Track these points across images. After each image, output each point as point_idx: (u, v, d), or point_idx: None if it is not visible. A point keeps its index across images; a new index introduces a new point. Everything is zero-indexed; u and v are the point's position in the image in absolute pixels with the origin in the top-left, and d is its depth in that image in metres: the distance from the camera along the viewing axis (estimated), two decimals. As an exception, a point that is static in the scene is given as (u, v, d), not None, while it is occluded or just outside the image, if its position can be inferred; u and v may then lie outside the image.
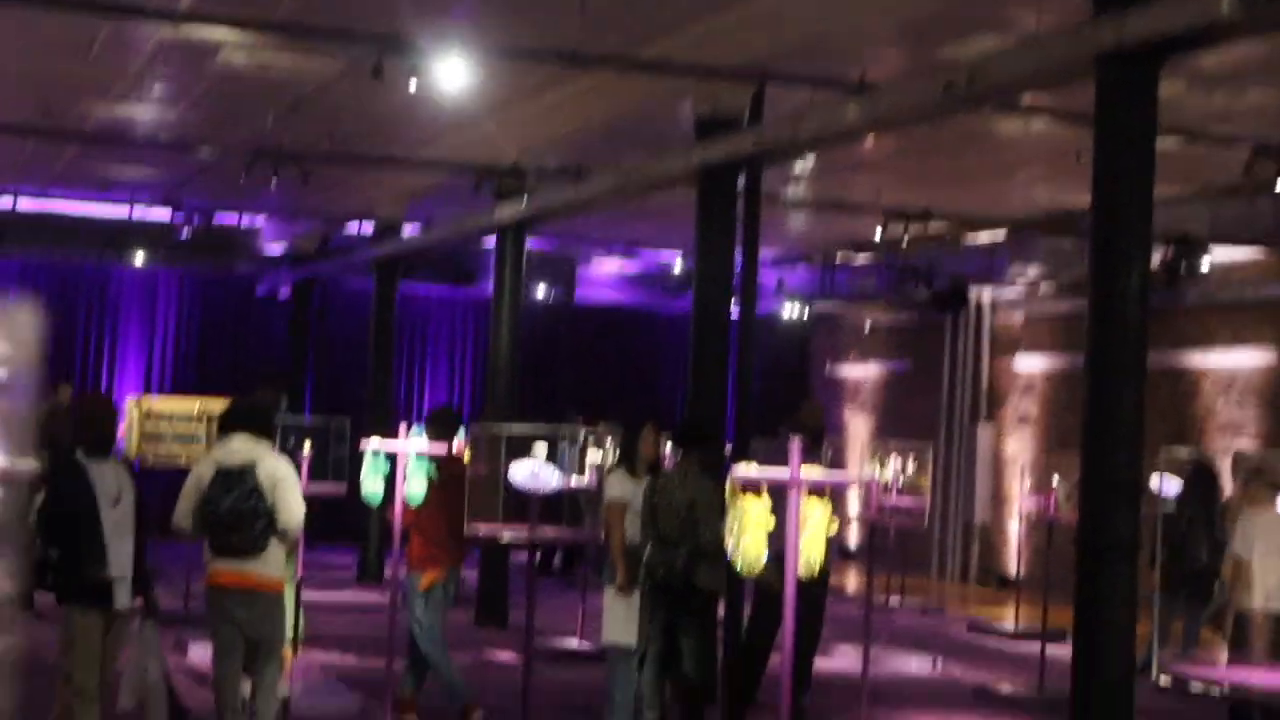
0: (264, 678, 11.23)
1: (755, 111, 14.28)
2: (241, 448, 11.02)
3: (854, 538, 22.65)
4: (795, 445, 6.58)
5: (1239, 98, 14.68)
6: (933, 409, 27.66)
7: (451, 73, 12.18)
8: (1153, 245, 11.65)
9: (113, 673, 9.79)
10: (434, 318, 30.99)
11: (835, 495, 11.45)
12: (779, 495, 7.07)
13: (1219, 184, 18.01)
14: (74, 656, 9.47)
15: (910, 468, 17.98)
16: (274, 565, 11.01)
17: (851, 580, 23.54)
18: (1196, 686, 9.08)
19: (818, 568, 7.35)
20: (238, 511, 10.80)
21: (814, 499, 7.16)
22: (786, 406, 16.07)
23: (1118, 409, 9.92)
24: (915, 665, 17.22)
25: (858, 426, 30.00)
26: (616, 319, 31.77)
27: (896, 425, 27.76)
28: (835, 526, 7.42)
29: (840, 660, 16.08)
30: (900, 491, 16.93)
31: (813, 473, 6.67)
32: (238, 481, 10.85)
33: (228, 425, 11.31)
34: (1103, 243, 10.06)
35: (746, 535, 7.13)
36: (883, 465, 16.04)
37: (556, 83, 15.54)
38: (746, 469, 6.57)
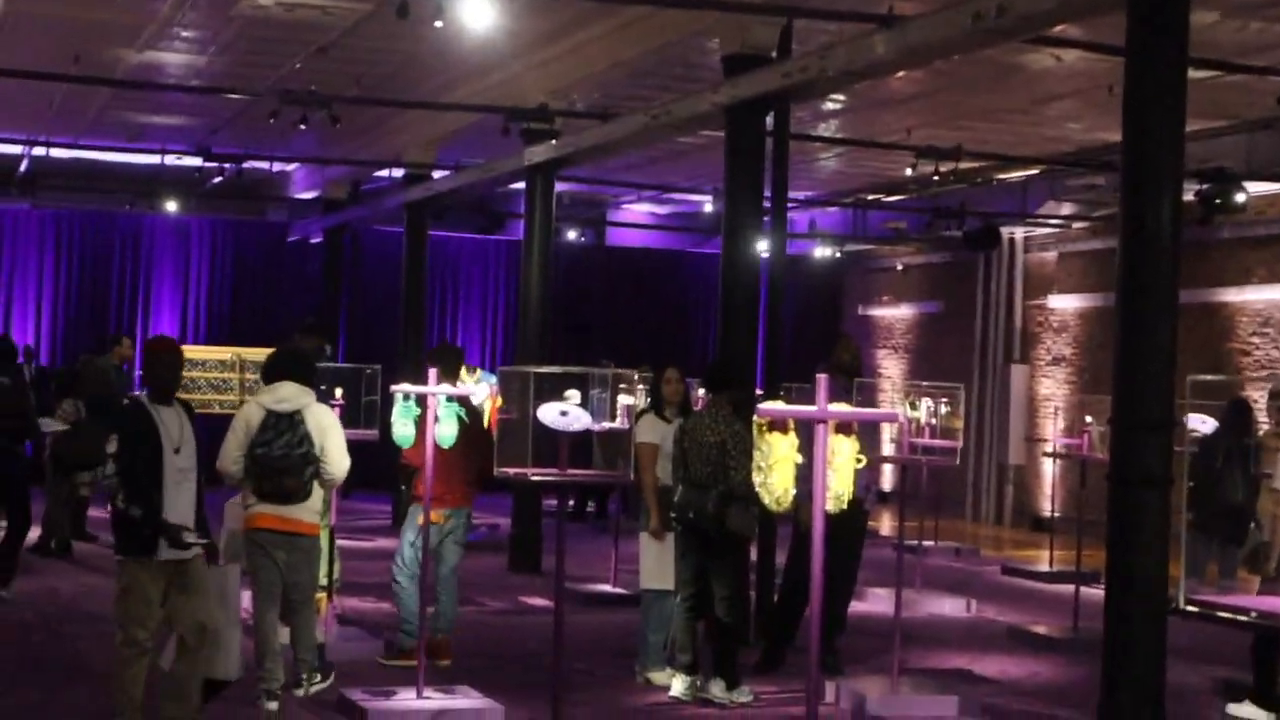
0: (301, 621, 11.33)
1: (783, 47, 14.24)
2: (291, 394, 11.08)
3: (888, 481, 22.62)
4: (822, 380, 6.56)
5: (1273, 26, 14.59)
6: (965, 350, 27.63)
7: (477, 12, 12.13)
8: (1185, 179, 11.59)
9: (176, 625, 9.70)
10: (465, 262, 30.98)
11: (867, 434, 11.51)
12: (808, 433, 7.07)
13: (1254, 116, 17.95)
14: (126, 607, 9.44)
15: (943, 409, 17.96)
16: (315, 511, 11.13)
17: (885, 523, 23.51)
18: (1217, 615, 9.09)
19: (847, 501, 7.35)
20: (289, 457, 10.88)
21: (841, 435, 7.15)
22: (818, 348, 16.02)
23: (1149, 345, 9.86)
24: (949, 607, 17.18)
25: (890, 368, 29.99)
26: (648, 262, 31.70)
27: (929, 366, 27.77)
28: (863, 459, 7.41)
29: (873, 603, 16.07)
30: (933, 433, 16.92)
31: (840, 409, 6.63)
32: (289, 427, 10.92)
33: (276, 372, 11.36)
34: (1133, 177, 10.01)
35: (774, 471, 7.16)
36: (915, 407, 16.02)
37: (583, 22, 15.52)
38: (771, 405, 6.55)
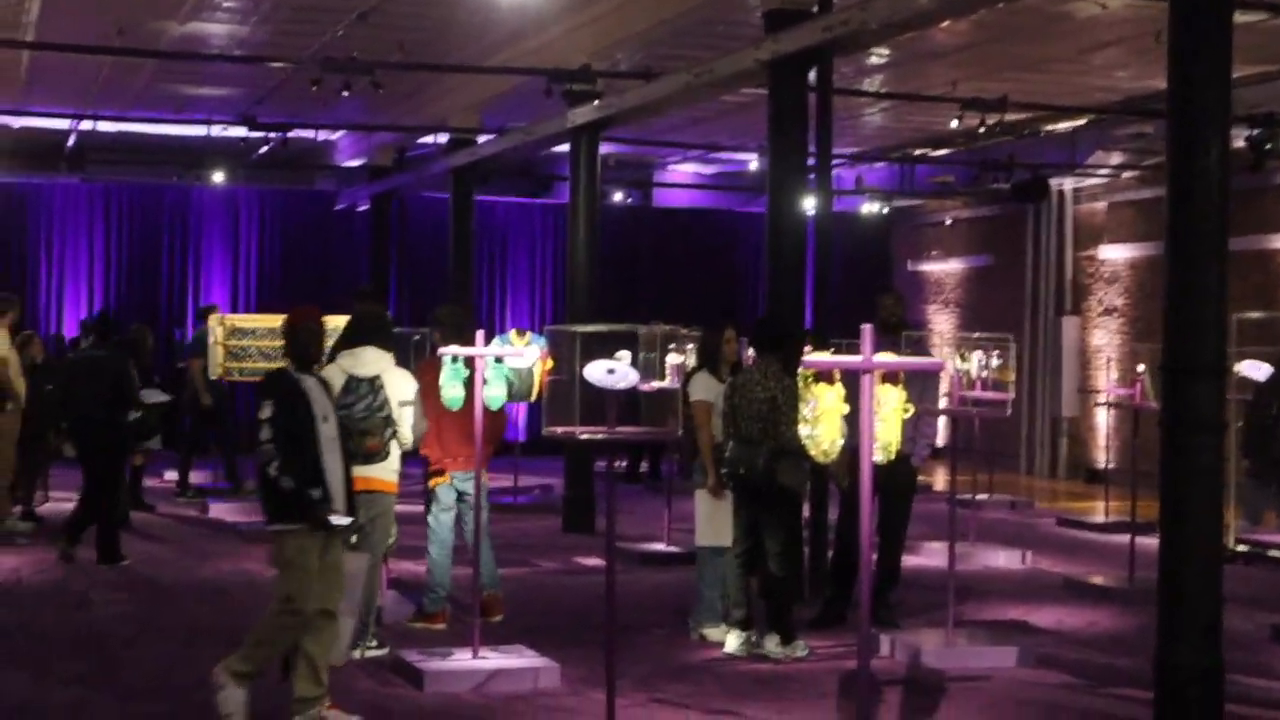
0: (367, 582, 11.45)
1: (824, 1, 14.18)
2: (373, 359, 11.23)
3: (942, 435, 22.54)
4: (868, 331, 6.56)
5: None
6: (1016, 303, 27.59)
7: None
8: (1234, 125, 11.54)
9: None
10: (513, 226, 31.03)
11: (924, 388, 11.48)
12: (855, 385, 7.07)
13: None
14: (291, 579, 9.44)
15: (994, 362, 17.93)
16: (394, 471, 11.24)
17: (939, 477, 23.48)
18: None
19: (894, 452, 7.37)
20: (371, 419, 10.99)
21: (888, 385, 7.17)
22: (867, 305, 15.99)
23: (1198, 290, 9.82)
24: (1004, 559, 17.17)
25: (941, 323, 29.94)
26: (695, 222, 31.67)
27: (980, 320, 27.70)
28: (910, 409, 7.43)
29: (928, 556, 16.08)
30: (984, 386, 16.91)
31: (885, 358, 6.63)
32: (369, 391, 11.04)
33: (359, 338, 11.45)
34: (1180, 124, 9.95)
35: (821, 423, 7.17)
36: (965, 359, 16.00)
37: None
38: (817, 356, 6.55)
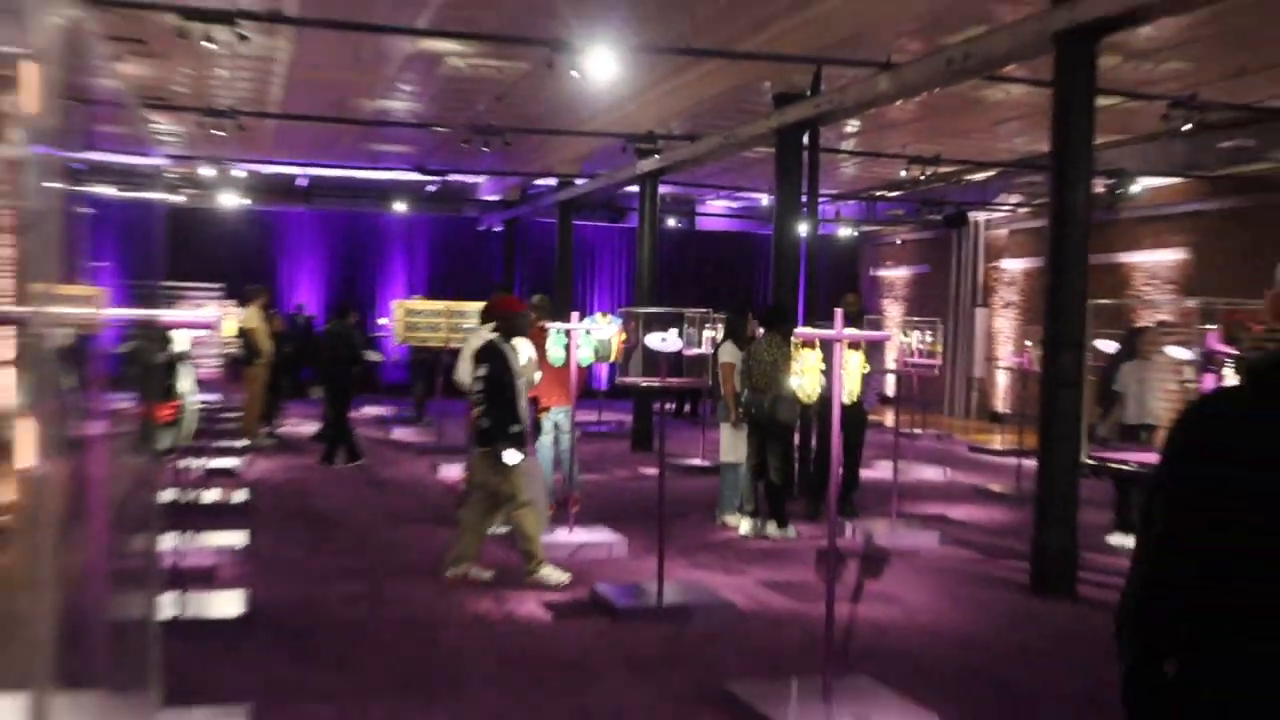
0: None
1: (815, 87, 14.20)
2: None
3: (890, 387, 22.51)
4: (839, 315, 6.65)
5: (1159, 66, 14.41)
6: (944, 298, 27.43)
7: (602, 67, 12.16)
8: (1095, 176, 11.50)
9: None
10: (598, 242, 31.03)
11: (873, 353, 11.49)
12: (830, 350, 7.15)
13: (1143, 131, 17.72)
14: (521, 482, 9.53)
15: (928, 338, 17.86)
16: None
17: (888, 418, 23.53)
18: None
19: (856, 396, 7.43)
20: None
21: (852, 351, 7.23)
22: (839, 299, 15.98)
23: (1068, 290, 9.88)
24: (931, 474, 17.17)
25: (892, 311, 29.82)
26: (724, 240, 31.51)
27: (919, 309, 27.59)
28: (869, 367, 7.50)
29: (879, 471, 16.10)
30: (921, 354, 16.85)
31: (850, 332, 6.71)
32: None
33: (491, 316, 11.60)
34: (1058, 175, 10.00)
35: (806, 375, 7.24)
36: (908, 335, 15.98)
37: (677, 73, 15.49)
38: (805, 330, 6.60)
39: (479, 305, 12.38)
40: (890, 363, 17.34)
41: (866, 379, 7.48)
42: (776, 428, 11.87)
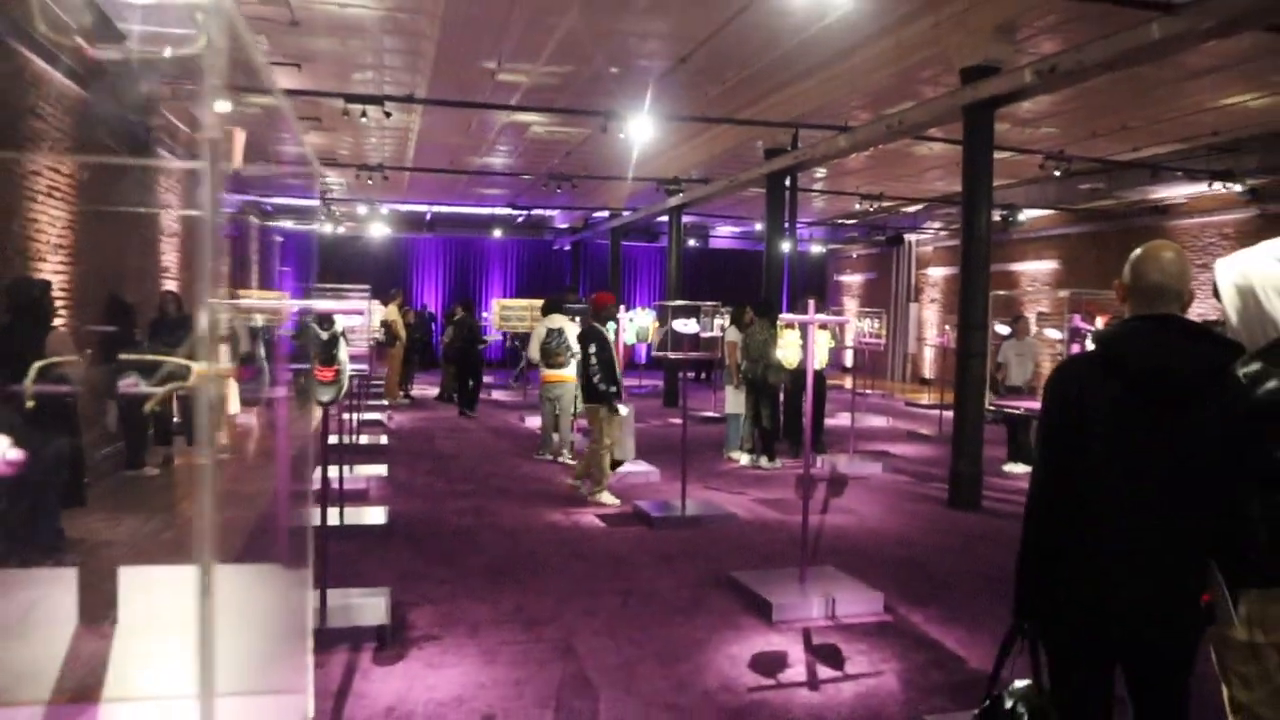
0: (564, 425, 11.77)
1: (794, 144, 14.09)
2: (558, 319, 11.34)
3: (850, 360, 22.35)
4: (811, 305, 6.56)
5: (1037, 130, 14.24)
6: (888, 296, 27.25)
7: (642, 131, 12.10)
8: (993, 208, 11.37)
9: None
10: (639, 258, 30.91)
11: (836, 332, 11.36)
12: (805, 331, 7.08)
13: (1027, 177, 17.50)
14: (603, 429, 9.40)
15: (876, 324, 17.66)
16: (570, 371, 11.35)
17: (848, 381, 23.40)
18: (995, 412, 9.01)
19: (825, 364, 7.38)
20: (559, 348, 11.14)
21: (822, 331, 7.17)
22: (814, 296, 15.88)
23: (975, 289, 9.76)
24: (878, 421, 17.06)
25: (850, 305, 29.62)
26: (730, 256, 31.24)
27: (870, 304, 27.42)
28: (834, 343, 7.46)
29: (841, 420, 16.01)
30: (872, 336, 16.64)
31: (820, 317, 6.63)
32: (557, 335, 11.16)
33: (549, 310, 11.60)
34: (969, 208, 9.87)
35: (787, 349, 7.20)
36: (861, 321, 15.84)
37: (695, 134, 15.44)
38: (787, 316, 6.56)
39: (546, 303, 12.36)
40: (849, 342, 17.27)
41: (832, 353, 7.42)
42: (767, 388, 11.80)
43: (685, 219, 21.30)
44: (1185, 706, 3.06)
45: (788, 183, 14.64)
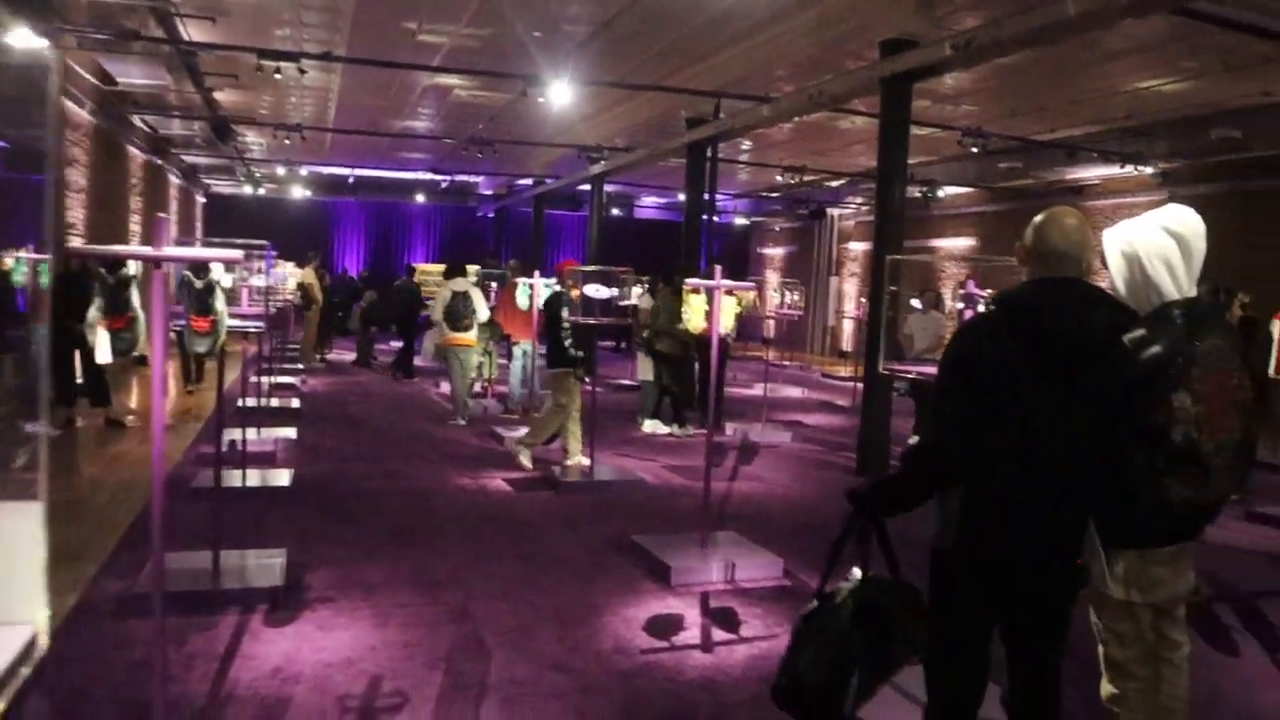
0: (462, 387, 11.57)
1: (716, 114, 14.04)
2: (462, 283, 11.18)
3: (769, 331, 22.39)
4: (718, 270, 6.54)
5: (957, 108, 14.36)
6: (809, 268, 27.45)
7: (560, 96, 11.97)
8: (910, 184, 11.48)
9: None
10: (564, 227, 30.81)
11: (746, 301, 11.38)
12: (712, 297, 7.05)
13: (946, 153, 17.67)
14: (574, 398, 9.18)
15: (796, 296, 17.77)
16: (474, 335, 11.26)
17: (768, 353, 23.58)
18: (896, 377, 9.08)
19: (731, 332, 7.36)
20: (466, 312, 11.01)
21: (729, 297, 7.15)
22: (734, 269, 15.87)
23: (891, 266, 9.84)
24: (794, 392, 17.16)
25: (772, 277, 29.80)
26: (655, 226, 31.22)
27: (791, 275, 27.61)
28: (741, 309, 7.44)
29: (756, 390, 16.09)
30: (791, 306, 16.75)
31: (725, 282, 6.61)
32: (463, 299, 11.01)
33: (452, 273, 11.45)
34: (885, 182, 9.93)
35: (694, 315, 7.17)
36: (780, 292, 15.93)
37: (617, 102, 15.30)
38: (692, 282, 6.53)
39: (471, 267, 12.27)
40: (769, 311, 17.32)
41: (745, 322, 7.40)
42: (664, 356, 11.72)
43: (609, 188, 21.26)
44: (1059, 669, 3.10)
45: (710, 153, 14.60)
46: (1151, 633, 3.30)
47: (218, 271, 5.10)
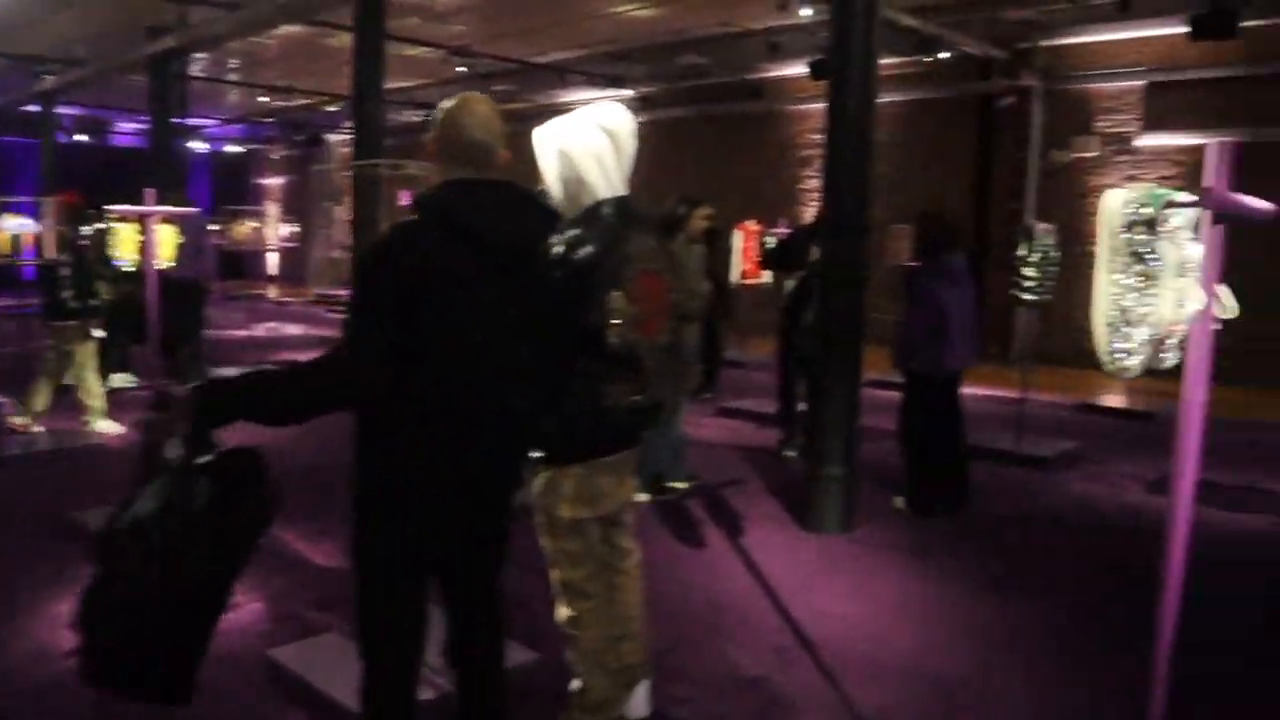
0: None
1: (181, 23, 12.68)
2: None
3: (275, 266, 21.01)
4: (151, 195, 5.69)
5: (446, 27, 13.95)
6: (309, 198, 26.15)
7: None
8: (409, 108, 10.85)
9: None
10: (24, 157, 25.78)
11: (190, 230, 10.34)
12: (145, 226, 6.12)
13: (443, 75, 17.27)
14: (84, 355, 7.62)
15: (296, 228, 16.70)
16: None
17: (271, 290, 22.07)
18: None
19: (172, 265, 6.47)
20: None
21: (166, 226, 6.26)
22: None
23: (365, 185, 9.27)
24: (294, 329, 16.23)
25: (273, 209, 28.06)
26: (135, 155, 26.13)
27: (292, 207, 26.25)
28: (182, 240, 6.55)
29: (258, 331, 15.00)
30: (291, 238, 15.70)
31: (159, 209, 5.77)
32: None
33: None
34: (360, 102, 9.35)
35: (123, 247, 6.23)
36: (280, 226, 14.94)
37: (65, 5, 13.31)
38: (120, 206, 5.59)
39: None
40: (271, 245, 16.20)
41: (183, 249, 6.51)
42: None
43: (70, 110, 18.72)
44: (500, 596, 2.99)
45: (178, 69, 13.18)
46: (602, 545, 3.26)
47: None
